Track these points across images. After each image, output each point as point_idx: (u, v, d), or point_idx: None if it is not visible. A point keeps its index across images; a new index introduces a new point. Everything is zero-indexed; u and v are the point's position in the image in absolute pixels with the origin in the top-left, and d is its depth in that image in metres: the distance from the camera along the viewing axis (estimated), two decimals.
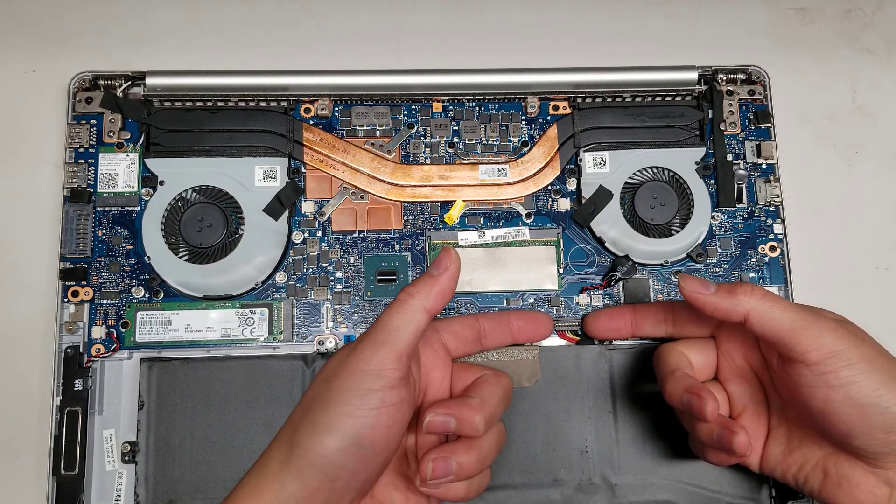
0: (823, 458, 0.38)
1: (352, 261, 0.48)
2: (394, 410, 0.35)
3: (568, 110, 0.50)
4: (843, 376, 0.35)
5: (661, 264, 0.48)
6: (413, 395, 0.36)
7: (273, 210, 0.47)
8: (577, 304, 0.48)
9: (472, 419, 0.37)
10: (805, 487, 0.39)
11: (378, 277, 0.47)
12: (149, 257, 0.46)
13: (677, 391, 0.39)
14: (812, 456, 0.39)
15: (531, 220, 0.49)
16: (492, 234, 0.48)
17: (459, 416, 0.37)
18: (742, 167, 0.50)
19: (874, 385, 0.35)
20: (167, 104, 0.48)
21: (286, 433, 0.35)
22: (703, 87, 0.50)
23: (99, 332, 0.46)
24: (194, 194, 0.47)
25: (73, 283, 0.46)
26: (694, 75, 0.49)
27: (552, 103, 0.50)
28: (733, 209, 0.49)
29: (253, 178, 0.48)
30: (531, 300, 0.48)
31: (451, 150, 0.49)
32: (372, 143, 0.49)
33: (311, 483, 0.33)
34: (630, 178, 0.49)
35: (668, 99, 0.50)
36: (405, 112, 0.50)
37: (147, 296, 0.46)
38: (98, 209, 0.47)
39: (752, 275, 0.48)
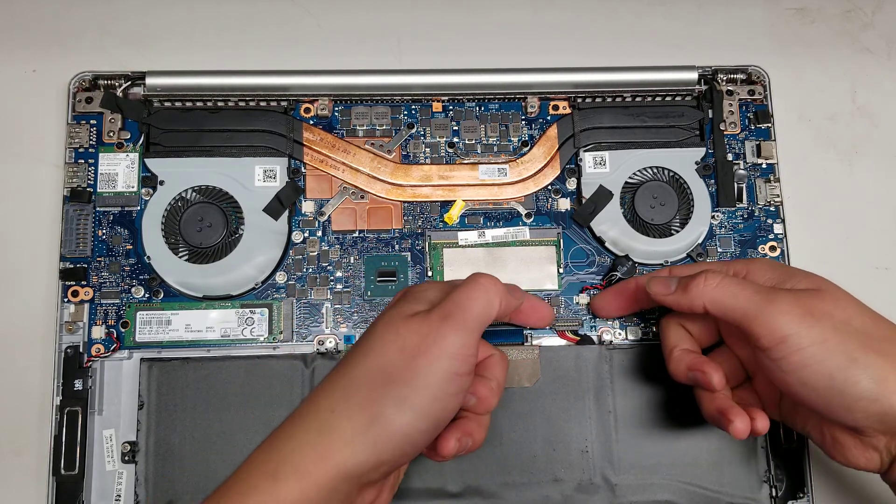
0: (819, 421, 0.39)
1: (352, 261, 0.48)
2: (462, 397, 0.35)
3: (568, 110, 0.50)
4: (794, 361, 0.35)
5: (662, 264, 0.48)
6: None
7: (273, 210, 0.47)
8: (577, 304, 0.48)
9: (491, 401, 0.37)
10: (813, 441, 0.40)
11: (378, 277, 0.47)
12: (149, 257, 0.46)
13: (681, 370, 0.40)
14: (811, 417, 0.39)
15: (531, 219, 0.49)
16: (492, 233, 0.48)
17: (481, 396, 0.37)
18: (742, 167, 0.50)
19: (826, 369, 0.35)
20: (167, 104, 0.48)
21: (358, 398, 0.33)
22: (703, 87, 0.50)
23: (99, 331, 0.46)
24: (194, 194, 0.47)
25: (73, 283, 0.46)
26: (694, 75, 0.49)
27: (552, 103, 0.50)
28: (733, 209, 0.49)
29: (253, 178, 0.48)
30: None
31: (451, 150, 0.49)
32: (372, 143, 0.49)
33: (385, 456, 0.33)
34: (630, 178, 0.49)
35: (668, 99, 0.50)
36: (405, 112, 0.50)
37: (147, 296, 0.46)
38: (98, 209, 0.47)
39: None
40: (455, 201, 0.48)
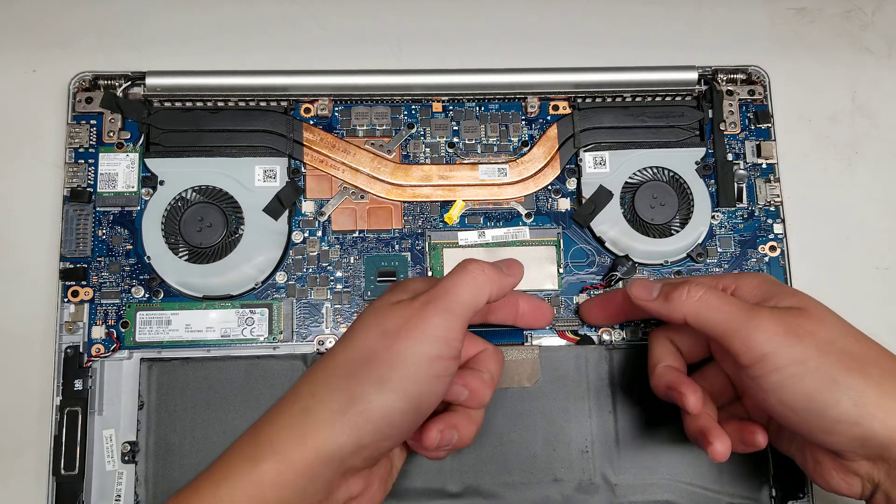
0: (802, 442, 0.38)
1: (352, 261, 0.48)
2: (448, 381, 0.35)
3: (568, 110, 0.50)
4: (772, 381, 0.34)
5: (661, 264, 0.48)
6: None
7: (273, 210, 0.47)
8: (577, 304, 0.48)
9: (483, 394, 0.37)
10: (797, 463, 0.39)
11: (378, 277, 0.47)
12: (149, 257, 0.46)
13: (661, 388, 0.40)
14: (794, 438, 0.39)
15: (531, 219, 0.49)
16: (492, 233, 0.48)
17: (473, 388, 0.37)
18: (742, 167, 0.50)
19: (805, 390, 0.34)
20: (167, 104, 0.48)
21: (337, 381, 0.33)
22: (703, 87, 0.50)
23: (99, 331, 0.46)
24: (194, 194, 0.47)
25: (73, 283, 0.46)
26: (694, 75, 0.49)
27: (552, 103, 0.50)
28: (733, 209, 0.49)
29: (253, 178, 0.48)
30: None
31: (451, 150, 0.49)
32: (372, 143, 0.49)
33: (365, 440, 0.32)
34: (630, 178, 0.49)
35: (668, 99, 0.50)
36: (405, 112, 0.50)
37: (147, 296, 0.46)
38: (98, 209, 0.47)
39: None
40: (455, 201, 0.48)
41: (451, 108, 0.50)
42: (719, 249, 0.49)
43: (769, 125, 0.50)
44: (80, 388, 0.45)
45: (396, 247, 0.48)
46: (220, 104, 0.48)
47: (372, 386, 0.33)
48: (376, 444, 0.33)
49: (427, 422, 0.36)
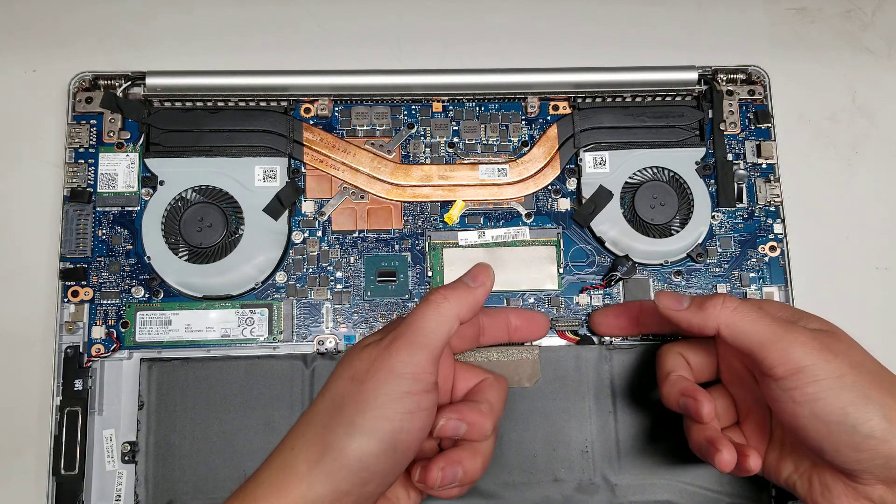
0: (809, 467, 0.38)
1: (352, 261, 0.48)
2: (426, 415, 0.34)
3: (568, 110, 0.50)
4: (808, 393, 0.35)
5: (661, 264, 0.48)
6: (437, 399, 0.36)
7: (273, 210, 0.47)
8: (577, 304, 0.48)
9: (483, 426, 0.37)
10: (795, 493, 0.39)
11: (378, 277, 0.47)
12: (149, 257, 0.46)
13: (673, 394, 0.39)
14: (801, 463, 0.38)
15: (531, 219, 0.49)
16: (492, 233, 0.48)
17: (471, 421, 0.37)
18: (742, 167, 0.50)
19: (840, 403, 0.34)
20: (167, 104, 0.48)
21: (313, 432, 0.34)
22: (703, 87, 0.50)
23: (99, 332, 0.46)
24: (194, 194, 0.47)
25: (73, 283, 0.46)
26: (694, 75, 0.49)
27: (552, 103, 0.50)
28: (733, 209, 0.49)
29: (253, 178, 0.48)
30: (531, 300, 0.48)
31: (451, 150, 0.49)
32: (372, 143, 0.49)
33: (343, 486, 0.32)
34: (630, 178, 0.49)
35: (668, 99, 0.50)
36: (405, 112, 0.50)
37: (147, 296, 0.46)
38: (98, 209, 0.47)
39: (752, 274, 0.48)
40: (455, 201, 0.48)
41: (451, 108, 0.50)
42: (719, 249, 0.49)
43: (769, 125, 0.50)
44: (80, 388, 0.45)
45: (396, 247, 0.48)
46: (220, 104, 0.48)
47: (342, 432, 0.33)
48: (357, 490, 0.33)
49: (430, 460, 0.36)
